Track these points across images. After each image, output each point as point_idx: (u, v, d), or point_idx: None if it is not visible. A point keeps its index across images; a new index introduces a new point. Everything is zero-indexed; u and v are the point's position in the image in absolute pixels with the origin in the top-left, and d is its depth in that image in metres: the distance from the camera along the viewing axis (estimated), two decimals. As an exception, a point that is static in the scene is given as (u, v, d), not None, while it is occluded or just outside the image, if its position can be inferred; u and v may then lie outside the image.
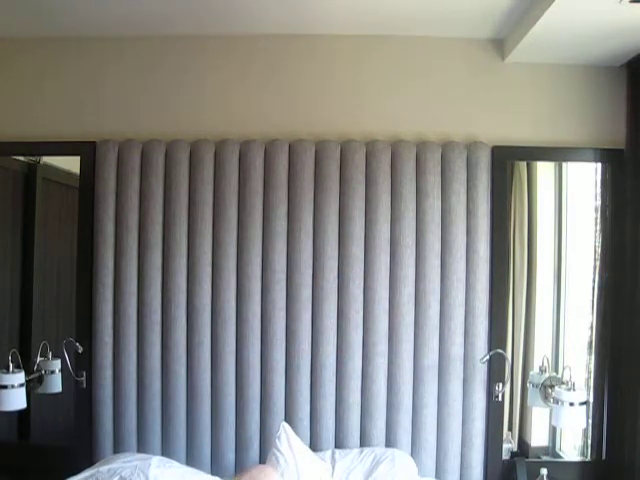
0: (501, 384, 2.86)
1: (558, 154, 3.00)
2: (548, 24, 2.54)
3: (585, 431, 2.98)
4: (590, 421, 2.94)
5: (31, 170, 3.13)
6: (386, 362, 2.89)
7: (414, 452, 2.87)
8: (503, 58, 3.02)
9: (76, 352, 2.92)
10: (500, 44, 3.03)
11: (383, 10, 2.78)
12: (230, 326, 2.90)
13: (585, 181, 3.05)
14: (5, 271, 3.13)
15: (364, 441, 2.89)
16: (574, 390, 2.70)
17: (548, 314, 3.05)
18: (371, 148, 2.91)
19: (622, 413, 2.82)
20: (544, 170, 3.08)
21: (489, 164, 2.92)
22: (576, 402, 2.69)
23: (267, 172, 2.92)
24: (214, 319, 2.91)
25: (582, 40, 2.73)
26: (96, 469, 2.54)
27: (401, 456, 2.78)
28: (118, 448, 2.90)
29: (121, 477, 2.46)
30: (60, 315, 3.17)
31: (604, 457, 2.93)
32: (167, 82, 3.07)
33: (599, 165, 3.01)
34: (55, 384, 3.00)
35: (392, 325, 2.89)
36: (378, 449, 2.82)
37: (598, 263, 2.99)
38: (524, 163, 3.04)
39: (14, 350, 2.81)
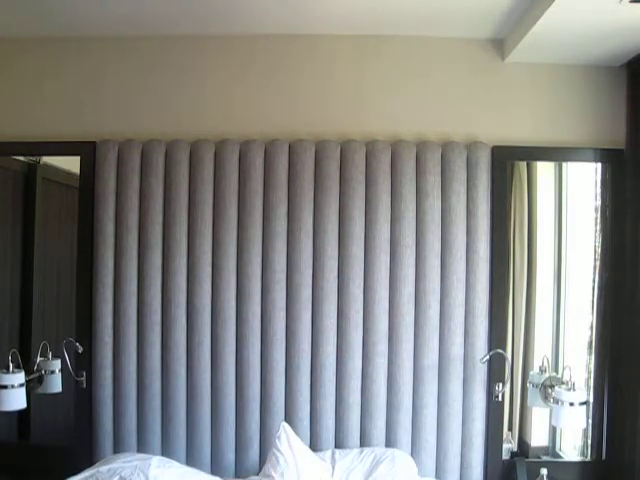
0: (501, 384, 2.86)
1: (558, 154, 3.00)
2: (548, 24, 2.54)
3: (585, 431, 2.98)
4: (590, 421, 2.94)
5: (31, 170, 3.13)
6: (386, 362, 2.89)
7: (414, 452, 2.87)
8: (503, 58, 3.02)
9: (76, 352, 2.92)
10: (500, 44, 3.03)
11: (383, 10, 2.78)
12: (230, 326, 2.90)
13: (585, 181, 3.05)
14: (5, 271, 3.13)
15: (364, 441, 2.89)
16: (574, 390, 2.70)
17: (548, 314, 3.05)
18: (371, 148, 2.91)
19: (622, 413, 2.82)
20: (544, 170, 3.08)
21: (489, 164, 2.92)
22: (576, 402, 2.69)
23: (267, 172, 2.92)
24: (214, 319, 2.91)
25: (582, 40, 2.73)
26: (96, 469, 2.54)
27: (401, 456, 2.78)
28: (118, 448, 2.90)
29: (121, 477, 2.46)
30: (60, 315, 3.17)
31: (604, 457, 2.93)
32: (167, 82, 3.07)
33: (599, 165, 3.01)
34: (55, 384, 3.00)
35: (392, 325, 2.89)
36: (378, 449, 2.82)
37: (598, 263, 2.99)
38: (524, 163, 3.04)
39: (14, 350, 2.81)
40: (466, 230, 2.90)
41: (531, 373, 2.99)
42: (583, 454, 3.03)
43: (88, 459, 2.82)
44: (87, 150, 2.97)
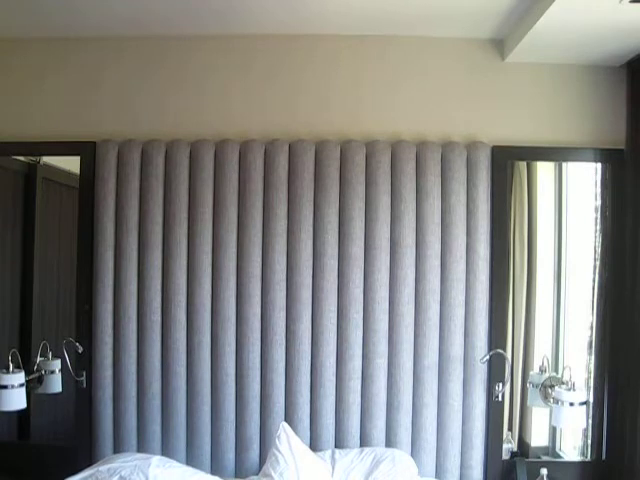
0: (501, 384, 2.86)
1: (558, 154, 3.00)
2: (548, 24, 2.54)
3: (585, 431, 2.98)
4: (590, 421, 2.94)
5: (31, 170, 3.13)
6: (386, 362, 2.89)
7: (414, 452, 2.87)
8: (503, 58, 3.02)
9: (76, 352, 2.92)
10: (500, 44, 3.03)
11: (383, 10, 2.78)
12: (230, 326, 2.90)
13: (585, 181, 3.05)
14: (5, 271, 3.13)
15: (364, 441, 2.89)
16: (574, 390, 2.70)
17: (548, 314, 3.05)
18: (371, 148, 2.91)
19: (622, 413, 2.82)
20: (544, 170, 3.08)
21: (489, 164, 2.92)
22: (576, 402, 2.69)
23: (267, 172, 2.92)
24: (214, 319, 2.91)
25: (582, 40, 2.73)
26: (96, 469, 2.54)
27: (401, 456, 2.78)
28: (118, 448, 2.90)
29: (121, 477, 2.47)
30: (60, 315, 3.17)
31: (604, 457, 2.93)
32: (167, 82, 3.06)
33: (599, 165, 3.01)
34: (55, 384, 3.00)
35: (392, 325, 2.89)
36: (378, 449, 2.82)
37: (598, 263, 2.99)
38: (524, 163, 3.04)
39: (14, 350, 2.82)
40: (466, 230, 2.90)
41: (531, 373, 2.99)
42: (583, 454, 3.03)
43: (88, 459, 2.83)
44: (87, 150, 2.97)
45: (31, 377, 2.90)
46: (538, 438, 3.08)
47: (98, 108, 3.06)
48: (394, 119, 3.02)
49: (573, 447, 3.08)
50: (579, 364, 2.98)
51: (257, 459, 2.89)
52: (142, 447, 2.90)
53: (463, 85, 3.03)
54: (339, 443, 2.89)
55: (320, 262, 2.89)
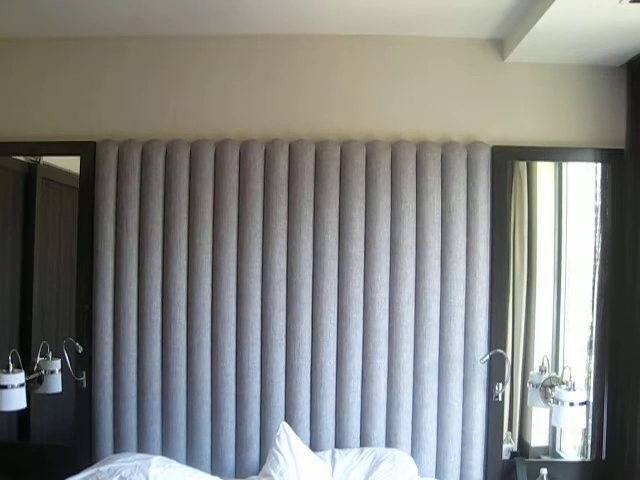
0: (501, 384, 2.86)
1: (558, 154, 3.00)
2: (548, 24, 2.54)
3: (585, 431, 2.98)
4: (590, 421, 2.94)
5: (31, 170, 3.13)
6: (386, 362, 2.89)
7: (414, 452, 2.87)
8: (503, 58, 3.02)
9: (76, 352, 2.92)
10: (500, 44, 3.03)
11: (383, 10, 2.78)
12: (230, 326, 2.90)
13: (585, 181, 3.05)
14: (5, 271, 3.13)
15: (364, 441, 2.89)
16: (574, 390, 2.70)
17: (548, 314, 3.05)
18: (371, 148, 2.91)
19: (622, 413, 2.82)
20: (544, 170, 3.08)
21: (489, 164, 2.92)
22: (576, 402, 2.69)
23: (267, 172, 2.92)
24: (214, 319, 2.91)
25: (582, 40, 2.73)
26: (96, 469, 2.54)
27: (401, 456, 2.78)
28: (118, 448, 2.90)
29: (121, 477, 2.47)
30: (60, 315, 3.17)
31: (604, 457, 2.93)
32: (167, 82, 3.06)
33: (599, 165, 3.01)
34: (55, 384, 3.00)
35: (392, 325, 2.89)
36: (378, 449, 2.82)
37: (598, 263, 2.99)
38: (524, 163, 3.04)
39: (14, 350, 2.81)
40: (466, 230, 2.90)
41: (531, 373, 2.99)
42: (583, 454, 3.03)
43: (88, 459, 2.83)
44: (87, 150, 2.97)
45: (31, 377, 2.89)
46: (538, 438, 3.08)
47: (98, 108, 3.06)
48: (394, 119, 3.02)
49: (573, 447, 3.08)
50: (579, 364, 2.98)
51: (257, 459, 2.89)
52: (142, 447, 2.90)
53: (463, 85, 3.03)
54: (339, 443, 2.89)
55: (320, 262, 2.89)
